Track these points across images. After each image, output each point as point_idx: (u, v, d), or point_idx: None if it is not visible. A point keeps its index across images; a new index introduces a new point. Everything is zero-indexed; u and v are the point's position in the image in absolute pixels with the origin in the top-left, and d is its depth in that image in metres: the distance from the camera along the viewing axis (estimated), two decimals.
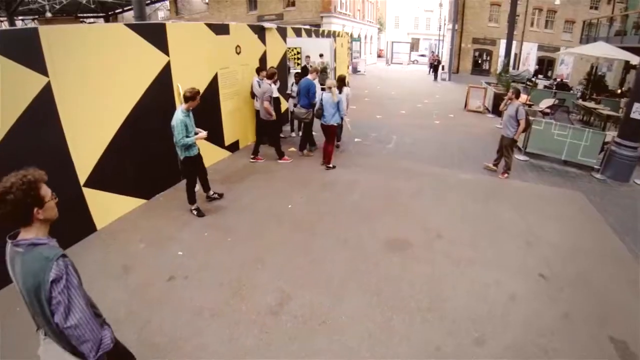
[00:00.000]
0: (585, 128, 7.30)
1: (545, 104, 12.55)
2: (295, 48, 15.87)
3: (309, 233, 4.78)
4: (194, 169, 5.12)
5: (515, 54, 25.53)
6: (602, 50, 14.00)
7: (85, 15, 40.20)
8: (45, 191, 1.69)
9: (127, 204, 5.17)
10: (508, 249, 4.51)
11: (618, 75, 19.19)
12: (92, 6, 34.46)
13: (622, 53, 13.13)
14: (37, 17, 36.15)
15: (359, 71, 25.92)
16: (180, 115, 4.60)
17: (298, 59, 15.56)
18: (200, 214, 5.13)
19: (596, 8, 24.99)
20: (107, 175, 4.71)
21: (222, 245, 4.46)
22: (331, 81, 6.81)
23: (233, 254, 4.29)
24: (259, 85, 7.32)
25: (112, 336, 1.86)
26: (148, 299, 3.53)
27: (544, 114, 11.84)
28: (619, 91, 17.07)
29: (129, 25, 5.01)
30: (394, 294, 3.67)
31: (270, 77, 6.96)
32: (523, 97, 12.41)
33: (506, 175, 6.74)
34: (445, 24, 32.17)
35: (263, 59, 8.33)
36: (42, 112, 3.91)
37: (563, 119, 10.82)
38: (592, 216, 5.54)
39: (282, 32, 9.16)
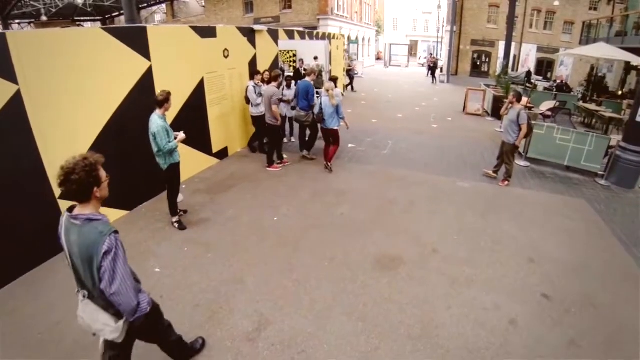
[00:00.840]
0: (589, 132, 6.97)
1: (545, 106, 12.25)
2: (291, 51, 15.67)
3: (293, 249, 4.46)
4: (178, 176, 4.86)
5: (515, 56, 25.26)
6: (602, 51, 13.71)
7: (82, 19, 40.14)
8: (102, 172, 1.98)
9: (108, 215, 4.86)
10: (508, 266, 4.18)
11: (618, 77, 18.92)
12: (89, 10, 34.26)
13: (623, 54, 12.83)
14: (33, 20, 36.01)
15: (357, 74, 25.58)
16: (159, 122, 4.34)
17: (293, 61, 15.33)
18: (181, 226, 4.88)
19: (595, 9, 24.71)
20: None
21: (201, 262, 4.16)
22: (329, 84, 6.69)
23: (212, 272, 3.98)
24: (255, 91, 7.07)
25: (149, 300, 2.14)
26: None
27: (545, 116, 11.55)
28: (620, 92, 16.80)
29: (107, 29, 4.76)
30: (382, 319, 3.35)
31: (274, 79, 6.72)
32: (523, 100, 12.12)
33: (506, 182, 6.42)
34: (443, 26, 31.91)
35: (253, 63, 8.04)
36: (12, 121, 3.67)
37: (564, 122, 10.51)
38: (598, 227, 5.21)
39: (274, 35, 8.88)
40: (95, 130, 4.62)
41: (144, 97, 5.07)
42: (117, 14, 38.89)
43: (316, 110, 6.79)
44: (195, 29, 6.27)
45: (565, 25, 25.94)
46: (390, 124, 10.73)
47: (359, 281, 3.85)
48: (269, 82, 7.02)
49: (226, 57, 7.10)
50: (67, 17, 37.69)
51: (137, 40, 5.11)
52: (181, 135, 4.64)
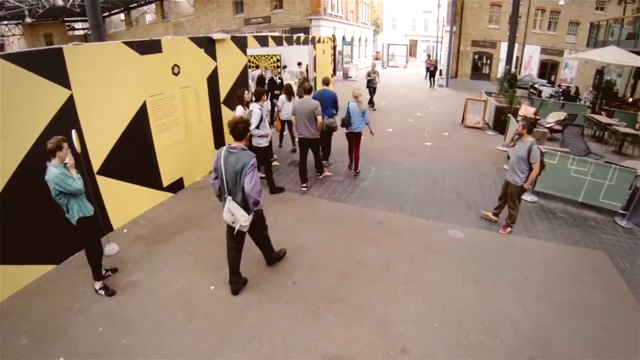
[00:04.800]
0: (611, 164, 5.79)
1: (553, 118, 11.06)
2: (275, 55, 14.52)
3: (222, 339, 3.39)
4: (94, 233, 3.96)
5: (517, 57, 24.01)
6: (614, 55, 12.54)
7: (71, 19, 38.93)
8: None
9: (29, 273, 4.16)
10: None
11: (627, 80, 17.72)
12: (77, 10, 33.07)
13: (637, 59, 11.69)
14: (20, 21, 34.89)
15: (350, 77, 24.41)
16: (54, 171, 3.48)
17: (277, 67, 14.18)
18: (108, 292, 3.99)
19: (602, 9, 23.42)
20: None
21: (112, 352, 3.26)
22: (358, 91, 7.01)
23: None
24: (261, 116, 6.01)
25: (262, 204, 3.69)
26: None
27: (553, 131, 10.38)
28: (630, 99, 15.62)
29: (6, 57, 3.73)
30: None
31: (259, 97, 6.18)
32: (529, 110, 10.91)
33: (509, 229, 5.25)
34: (443, 26, 30.67)
35: (213, 78, 6.90)
36: None
37: (574, 137, 9.29)
38: (622, 297, 4.05)
39: (241, 43, 7.70)
40: (4, 176, 3.80)
41: (64, 132, 4.04)
42: (107, 14, 37.82)
43: (343, 115, 6.95)
44: (132, 44, 5.14)
45: (571, 25, 24.67)
46: (378, 142, 9.38)
47: None
48: (252, 101, 6.23)
49: (176, 74, 5.97)
50: (56, 17, 36.68)
51: (51, 66, 4.13)
52: (70, 160, 3.64)
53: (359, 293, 4.01)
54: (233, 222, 3.53)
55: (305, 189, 6.49)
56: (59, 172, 3.47)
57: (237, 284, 3.98)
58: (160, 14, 33.57)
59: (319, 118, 6.21)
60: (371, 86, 13.93)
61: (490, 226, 5.43)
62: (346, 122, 6.89)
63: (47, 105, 4.15)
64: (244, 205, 3.49)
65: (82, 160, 4.17)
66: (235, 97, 6.30)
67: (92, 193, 4.48)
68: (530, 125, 5.01)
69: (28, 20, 28.98)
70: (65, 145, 3.56)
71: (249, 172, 3.36)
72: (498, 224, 5.44)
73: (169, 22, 32.59)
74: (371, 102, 13.98)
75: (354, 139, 7.15)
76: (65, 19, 37.98)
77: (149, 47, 5.44)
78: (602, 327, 3.66)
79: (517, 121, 9.27)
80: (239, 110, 6.10)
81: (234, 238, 3.72)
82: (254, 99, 6.26)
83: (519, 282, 4.26)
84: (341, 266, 4.45)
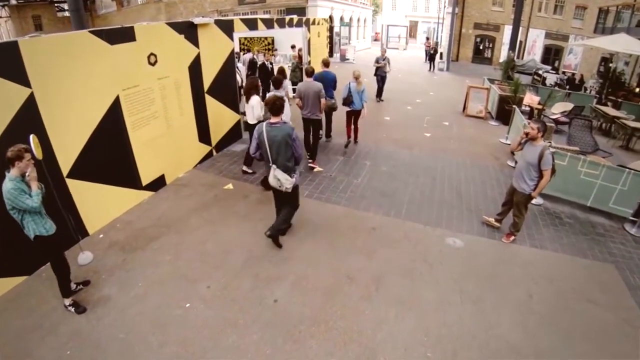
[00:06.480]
0: (624, 168, 5.38)
1: (559, 108, 10.56)
2: (267, 38, 13.88)
3: None
4: (55, 251, 3.58)
5: (521, 42, 23.22)
6: (624, 44, 11.98)
7: (61, 0, 37.33)
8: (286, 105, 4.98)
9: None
10: None
11: (634, 70, 17.09)
12: None
13: None
14: (6, 3, 33.55)
15: (347, 59, 23.61)
16: (8, 185, 3.11)
17: (269, 49, 13.54)
18: (79, 309, 3.67)
19: None
20: None
21: None
22: (358, 72, 7.61)
23: None
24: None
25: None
26: None
27: (558, 122, 9.91)
28: (638, 89, 15.06)
29: None
30: None
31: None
32: (534, 99, 10.42)
33: (512, 237, 4.86)
34: (444, 7, 29.62)
35: (196, 66, 6.36)
36: None
37: (581, 130, 8.78)
38: (632, 323, 3.69)
39: (227, 27, 7.09)
40: None
41: (28, 128, 3.73)
42: None
43: (344, 94, 7.41)
44: (100, 33, 4.61)
45: (577, 10, 23.71)
46: (374, 133, 8.93)
47: None
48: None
49: (153, 64, 5.45)
50: None
51: (4, 62, 3.65)
52: (32, 172, 3.23)
53: (346, 314, 3.65)
54: (280, 186, 4.16)
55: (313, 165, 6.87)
56: (11, 187, 3.09)
57: (285, 229, 4.76)
58: None
59: (323, 100, 6.56)
60: (379, 74, 12.29)
61: (492, 233, 5.05)
62: (348, 101, 7.41)
63: (3, 106, 3.69)
64: (286, 170, 4.10)
65: (44, 168, 3.73)
66: (249, 88, 6.06)
67: (61, 200, 4.09)
68: (545, 127, 4.48)
69: (14, 2, 27.80)
70: (27, 155, 3.16)
71: (296, 139, 4.08)
72: (500, 231, 5.05)
73: (161, 2, 31.24)
74: (379, 94, 12.56)
75: (353, 117, 7.78)
76: (54, 0, 36.58)
77: (121, 35, 4.90)
78: (610, 355, 3.33)
79: (522, 112, 8.85)
80: (255, 100, 5.94)
81: (284, 197, 4.39)
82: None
83: (521, 300, 3.91)
84: (328, 281, 4.06)
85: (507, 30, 22.30)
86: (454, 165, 7.32)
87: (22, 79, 3.80)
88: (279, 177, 4.09)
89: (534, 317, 3.71)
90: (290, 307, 3.73)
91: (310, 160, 6.93)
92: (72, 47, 4.31)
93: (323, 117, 7.07)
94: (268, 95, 6.04)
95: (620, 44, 11.94)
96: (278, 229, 4.54)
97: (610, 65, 16.54)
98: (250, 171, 6.57)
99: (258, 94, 6.13)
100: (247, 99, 6.04)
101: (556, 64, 23.94)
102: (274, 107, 4.04)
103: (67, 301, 3.67)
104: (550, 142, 6.64)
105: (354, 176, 6.60)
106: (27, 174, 3.19)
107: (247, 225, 5.06)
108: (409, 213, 5.48)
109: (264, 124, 4.07)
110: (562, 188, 5.70)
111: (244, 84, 7.44)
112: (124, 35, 4.95)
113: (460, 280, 4.13)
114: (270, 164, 4.12)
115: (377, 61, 12.22)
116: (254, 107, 5.96)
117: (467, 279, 4.15)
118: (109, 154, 4.96)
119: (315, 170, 6.75)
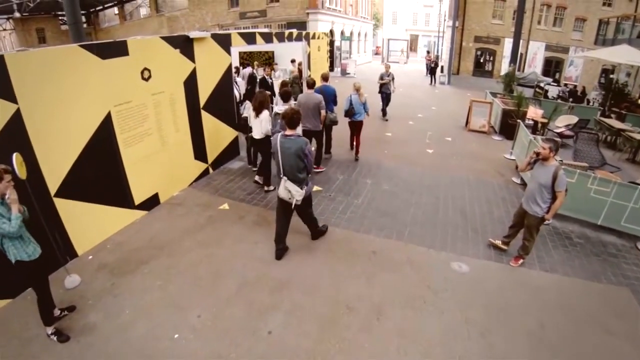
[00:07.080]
0: (637, 185, 5.16)
1: (563, 122, 10.37)
2: (267, 52, 13.82)
3: None
4: (37, 277, 3.38)
5: (521, 54, 23.23)
6: (626, 55, 11.86)
7: (64, 13, 37.83)
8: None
9: None
10: None
11: (635, 81, 16.98)
12: None
13: None
14: (11, 16, 33.94)
15: (348, 73, 23.63)
16: None
17: (269, 63, 13.46)
18: (61, 338, 3.46)
19: (609, 5, 22.55)
20: None
21: None
22: (359, 84, 7.76)
23: None
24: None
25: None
26: None
27: (563, 136, 9.70)
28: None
29: None
30: None
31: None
32: (538, 113, 10.22)
33: (521, 261, 4.61)
34: (445, 21, 29.79)
35: (191, 81, 6.22)
36: None
37: (587, 144, 8.55)
38: None
39: (224, 41, 6.99)
40: None
41: (13, 146, 3.60)
42: (100, 7, 36.84)
43: (346, 106, 7.56)
44: (92, 47, 4.48)
45: (577, 22, 23.80)
46: (375, 150, 8.74)
47: None
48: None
49: (146, 79, 5.31)
50: (48, 11, 35.69)
51: None
52: (12, 194, 3.02)
53: (344, 348, 3.39)
54: (290, 198, 4.16)
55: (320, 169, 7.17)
56: None
57: (282, 250, 4.58)
58: (155, 8, 32.65)
59: (323, 112, 6.61)
60: (384, 92, 11.88)
61: (500, 256, 4.79)
62: (350, 113, 7.57)
63: None
64: (296, 181, 4.15)
65: (28, 188, 3.54)
66: (262, 101, 5.92)
67: (48, 220, 3.94)
68: (558, 147, 4.22)
69: (17, 15, 28.10)
70: (7, 177, 2.98)
71: (308, 153, 4.13)
72: (508, 254, 4.80)
73: (163, 16, 31.71)
74: (384, 112, 12.19)
75: (355, 128, 7.85)
76: (58, 13, 36.99)
77: (113, 50, 4.77)
78: None
79: (526, 126, 8.66)
80: (265, 114, 5.88)
81: (289, 211, 4.40)
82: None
83: (532, 331, 3.64)
84: (325, 310, 3.81)
85: (508, 43, 22.36)
86: (458, 183, 7.10)
87: (8, 94, 3.67)
88: (289, 189, 4.12)
89: (546, 350, 3.44)
90: (285, 338, 3.48)
91: (315, 166, 6.87)
92: (62, 61, 4.18)
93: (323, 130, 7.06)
94: (275, 108, 6.17)
95: (622, 55, 11.83)
96: (315, 232, 4.93)
97: (612, 76, 16.45)
98: (262, 184, 6.53)
99: (268, 109, 5.98)
100: (257, 114, 5.88)
101: (557, 76, 23.88)
102: (292, 120, 4.11)
103: (49, 329, 3.45)
104: (561, 160, 6.40)
105: (354, 196, 6.36)
106: (6, 196, 3.00)
107: (241, 247, 4.83)
108: (412, 235, 5.23)
109: (279, 135, 4.14)
110: (571, 206, 5.45)
111: (241, 99, 7.31)
112: (117, 49, 4.83)
113: (467, 310, 3.86)
114: (282, 175, 4.17)
115: (381, 77, 11.85)
116: (262, 122, 5.82)
117: (474, 308, 3.89)
118: (100, 172, 4.80)
119: (315, 189, 6.53)
